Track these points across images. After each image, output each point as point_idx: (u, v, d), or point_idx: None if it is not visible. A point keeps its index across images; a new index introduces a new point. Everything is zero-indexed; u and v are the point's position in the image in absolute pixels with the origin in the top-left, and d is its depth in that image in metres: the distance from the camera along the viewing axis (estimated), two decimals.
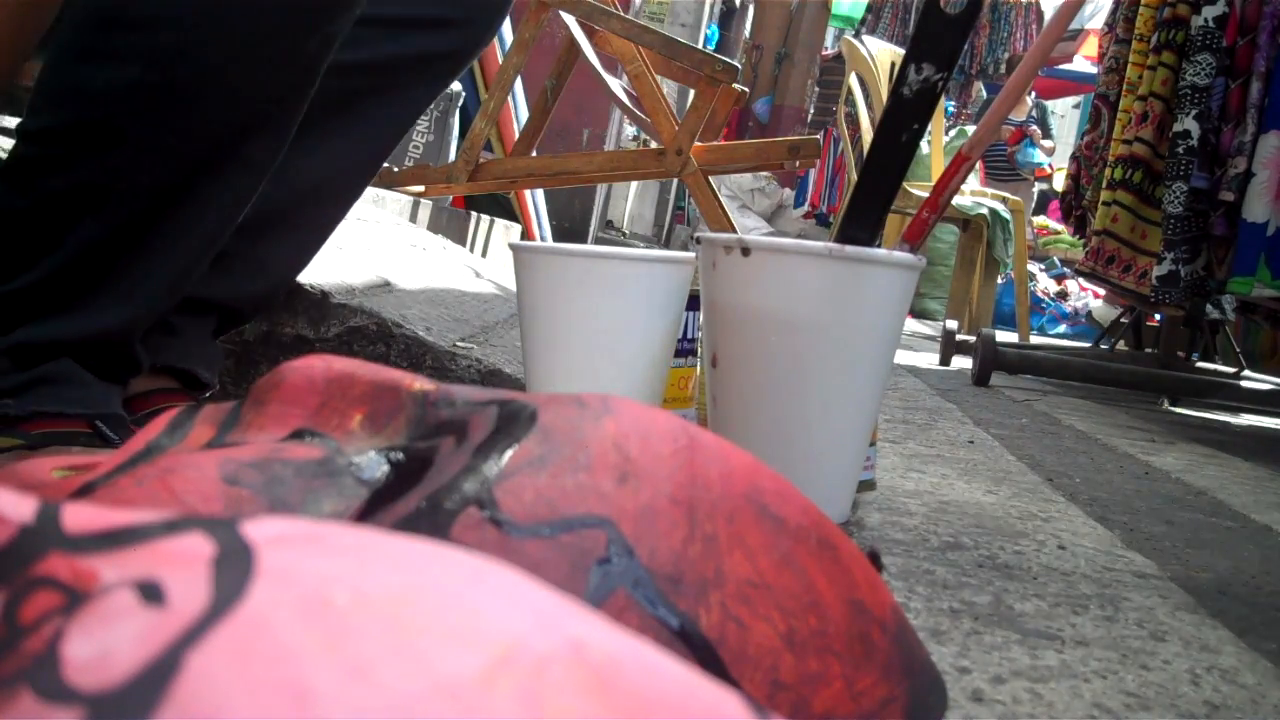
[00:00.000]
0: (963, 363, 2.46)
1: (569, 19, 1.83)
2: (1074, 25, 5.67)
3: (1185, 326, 2.14)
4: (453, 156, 2.41)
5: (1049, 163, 5.65)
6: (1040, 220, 5.75)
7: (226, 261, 0.70)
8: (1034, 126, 5.55)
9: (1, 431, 0.60)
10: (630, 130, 4.71)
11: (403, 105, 0.78)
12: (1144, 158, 1.90)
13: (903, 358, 2.41)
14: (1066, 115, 9.48)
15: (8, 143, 0.86)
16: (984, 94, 6.31)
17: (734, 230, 1.64)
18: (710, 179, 1.76)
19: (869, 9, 6.61)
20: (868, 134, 2.96)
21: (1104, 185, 1.99)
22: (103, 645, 0.18)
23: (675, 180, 3.97)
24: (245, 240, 0.70)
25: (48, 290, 0.61)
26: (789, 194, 6.56)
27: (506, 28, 2.77)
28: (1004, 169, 5.48)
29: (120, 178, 0.59)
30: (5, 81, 0.73)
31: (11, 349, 0.60)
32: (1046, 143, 5.75)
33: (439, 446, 0.33)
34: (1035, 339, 3.57)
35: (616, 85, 2.01)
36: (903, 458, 1.08)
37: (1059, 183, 4.93)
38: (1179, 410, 2.18)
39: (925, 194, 0.97)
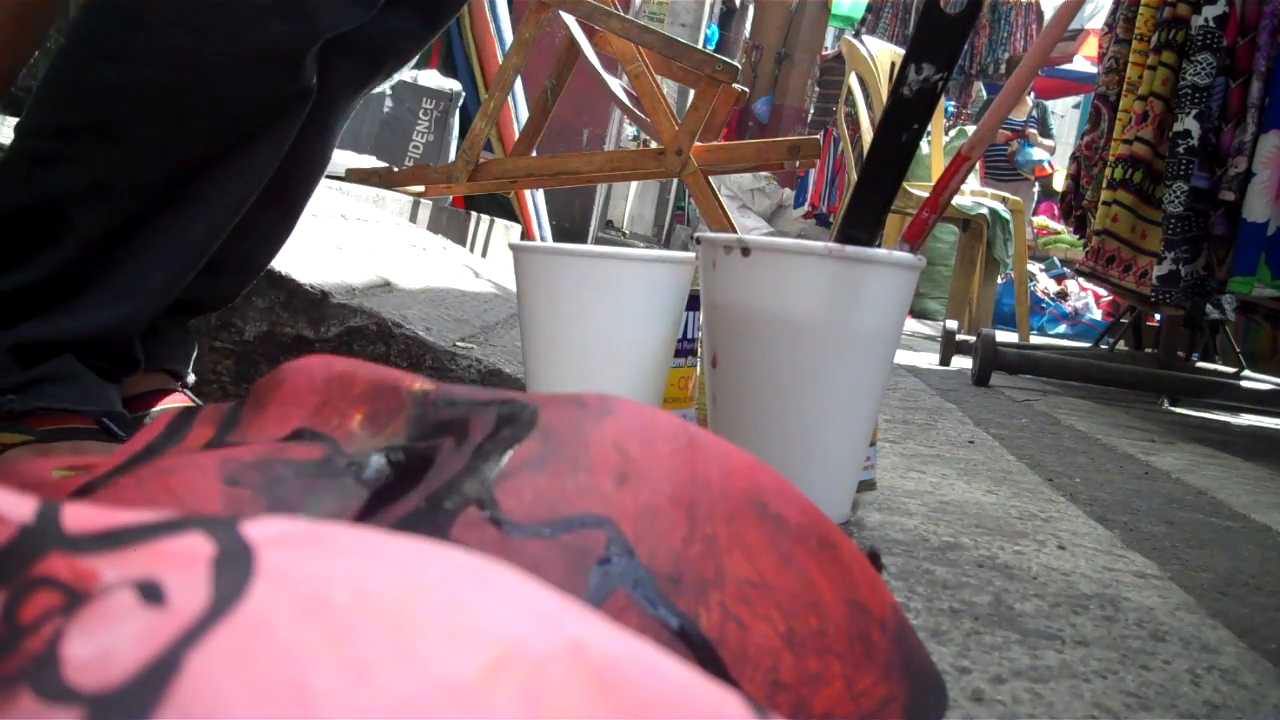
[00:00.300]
0: (963, 363, 2.46)
1: (569, 19, 1.83)
2: (1074, 25, 5.67)
3: (1185, 326, 2.14)
4: (453, 156, 2.41)
5: (1049, 160, 5.64)
6: (1040, 220, 5.75)
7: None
8: (1032, 129, 5.55)
9: (9, 427, 0.60)
10: (630, 130, 4.71)
11: (366, 80, 0.77)
12: (1144, 157, 1.90)
13: (903, 358, 2.41)
14: (1066, 115, 9.48)
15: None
16: (984, 94, 6.31)
17: (734, 230, 1.64)
18: (710, 179, 1.76)
19: (869, 9, 6.61)
20: (868, 134, 2.96)
21: (1104, 185, 1.99)
22: (103, 645, 0.18)
23: (675, 180, 3.97)
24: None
25: (48, 287, 0.61)
26: (789, 194, 6.56)
27: (507, 28, 2.78)
28: (1004, 169, 5.47)
29: (121, 175, 0.60)
30: (7, 83, 0.73)
31: (14, 347, 0.61)
32: (1047, 141, 5.75)
33: (439, 446, 0.33)
34: (1035, 339, 3.58)
35: (616, 85, 2.01)
36: (903, 458, 1.08)
37: (1059, 183, 4.93)
38: (1179, 410, 2.18)
39: (925, 194, 0.98)
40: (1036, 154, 5.51)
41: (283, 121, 0.64)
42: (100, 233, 0.61)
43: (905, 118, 0.65)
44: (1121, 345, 2.69)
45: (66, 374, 0.62)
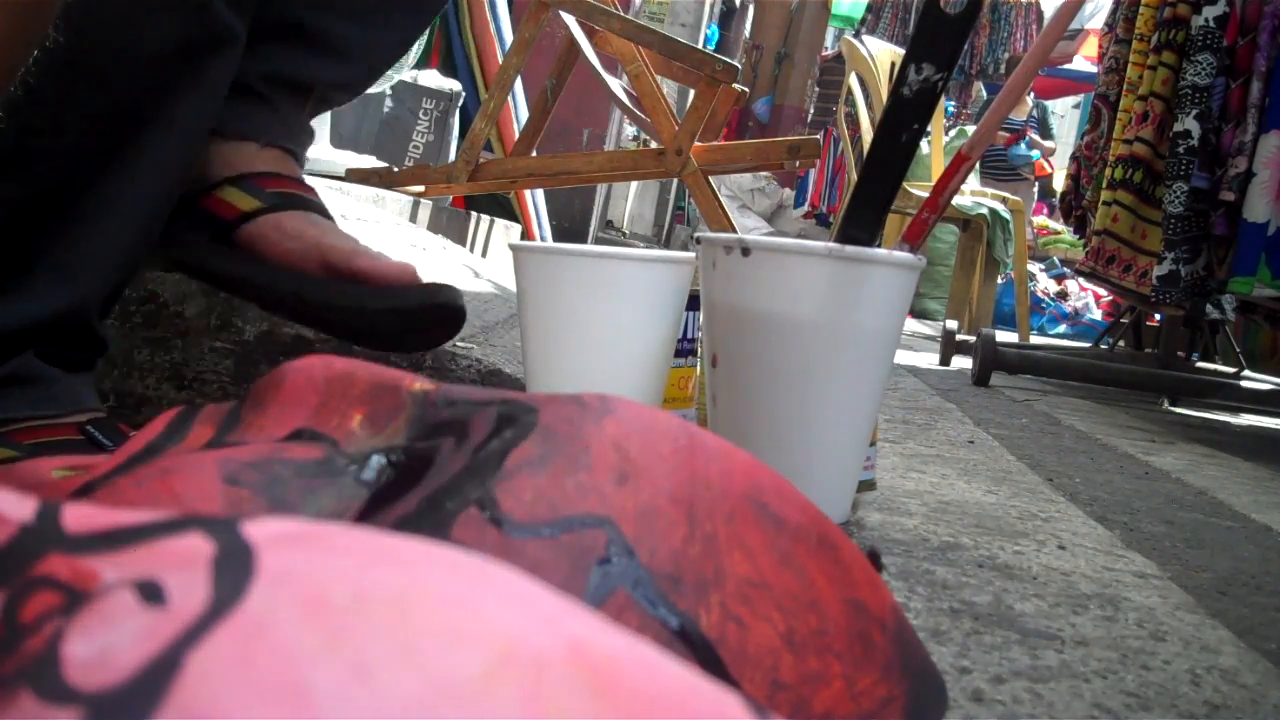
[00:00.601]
0: (963, 363, 2.46)
1: (569, 19, 1.83)
2: (1074, 25, 5.67)
3: (1185, 326, 2.14)
4: (453, 156, 2.41)
5: (1041, 153, 5.64)
6: (1040, 220, 5.76)
7: (318, 39, 0.69)
8: (1032, 128, 5.55)
9: None
10: (630, 130, 4.71)
11: None
12: (1144, 157, 1.90)
13: (903, 358, 2.41)
14: (1066, 115, 9.48)
15: None
16: (984, 94, 6.31)
17: (734, 230, 1.64)
18: (710, 179, 1.76)
19: (869, 9, 6.61)
20: (868, 134, 2.96)
21: (1104, 185, 1.99)
22: (103, 645, 0.18)
23: (675, 180, 3.97)
24: (337, 20, 0.69)
25: None
26: (789, 194, 6.57)
27: (507, 28, 2.78)
28: (1004, 169, 5.48)
29: (38, 139, 0.57)
30: (7, 83, 0.73)
31: None
32: (1048, 143, 5.75)
33: (439, 446, 0.33)
34: (1035, 339, 3.58)
35: (616, 85, 2.01)
36: (903, 458, 1.08)
37: (1059, 183, 4.93)
38: (1179, 410, 2.18)
39: (925, 194, 0.98)
40: (1026, 148, 5.51)
41: (206, 72, 0.61)
42: (24, 202, 0.58)
43: (905, 118, 0.65)
44: (1121, 345, 2.69)
45: (30, 375, 0.59)
